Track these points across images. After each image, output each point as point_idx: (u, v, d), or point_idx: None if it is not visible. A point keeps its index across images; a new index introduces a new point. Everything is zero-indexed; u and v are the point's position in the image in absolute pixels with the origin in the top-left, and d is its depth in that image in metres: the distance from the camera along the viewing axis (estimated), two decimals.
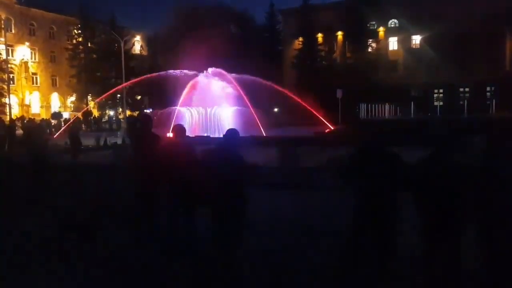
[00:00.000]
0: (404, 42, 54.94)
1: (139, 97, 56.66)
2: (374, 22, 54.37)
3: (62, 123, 41.88)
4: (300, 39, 54.85)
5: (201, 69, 28.98)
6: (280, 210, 8.44)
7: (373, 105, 39.65)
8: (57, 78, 59.36)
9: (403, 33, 54.07)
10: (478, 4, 46.45)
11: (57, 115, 46.85)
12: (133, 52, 61.67)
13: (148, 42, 62.31)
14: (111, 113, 55.60)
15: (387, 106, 42.32)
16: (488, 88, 50.12)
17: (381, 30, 55.26)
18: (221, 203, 4.98)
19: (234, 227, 5.06)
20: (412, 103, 42.64)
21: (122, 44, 40.39)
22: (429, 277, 4.51)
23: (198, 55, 30.57)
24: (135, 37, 57.85)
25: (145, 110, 42.73)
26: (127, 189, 7.84)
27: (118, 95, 53.73)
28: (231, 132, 5.23)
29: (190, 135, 18.01)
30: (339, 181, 5.33)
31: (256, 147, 14.62)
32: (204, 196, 5.16)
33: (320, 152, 15.75)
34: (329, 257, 5.56)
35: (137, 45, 65.63)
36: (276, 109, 49.41)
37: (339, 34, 56.60)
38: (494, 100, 41.22)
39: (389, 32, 55.49)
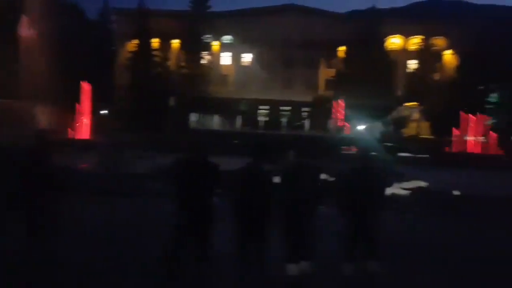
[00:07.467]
0: (236, 58, 58.17)
1: None
2: (209, 36, 56.22)
3: None
4: (135, 41, 53.40)
5: None
6: (109, 216, 8.22)
7: (203, 116, 41.02)
8: None
9: (235, 50, 57.18)
10: (297, 31, 52.40)
11: None
12: None
13: None
14: None
15: (216, 118, 44.31)
16: (304, 109, 56.30)
17: (216, 44, 57.46)
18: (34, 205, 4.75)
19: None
20: (240, 116, 45.53)
21: None
22: (240, 273, 5.01)
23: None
24: None
25: None
26: None
27: None
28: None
29: None
30: (166, 188, 5.54)
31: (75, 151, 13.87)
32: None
33: (150, 158, 15.76)
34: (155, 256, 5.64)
35: None
36: (103, 112, 47.04)
37: (175, 42, 56.96)
38: (308, 120, 46.74)
39: (223, 47, 58.06)
